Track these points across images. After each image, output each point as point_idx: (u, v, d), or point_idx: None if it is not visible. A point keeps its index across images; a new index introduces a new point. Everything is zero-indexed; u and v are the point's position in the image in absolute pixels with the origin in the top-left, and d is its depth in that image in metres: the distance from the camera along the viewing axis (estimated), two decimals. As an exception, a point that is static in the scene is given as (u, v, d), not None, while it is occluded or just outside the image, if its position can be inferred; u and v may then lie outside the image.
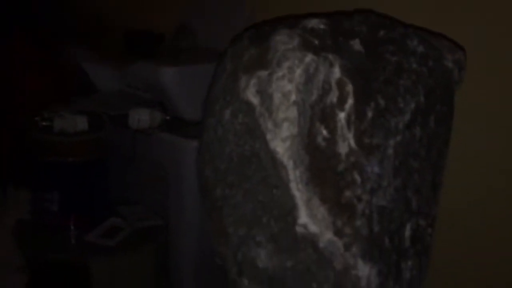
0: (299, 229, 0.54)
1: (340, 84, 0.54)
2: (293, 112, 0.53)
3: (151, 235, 1.29)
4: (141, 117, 1.20)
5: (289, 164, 0.53)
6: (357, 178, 0.53)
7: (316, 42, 0.56)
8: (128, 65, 1.34)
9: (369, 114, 0.54)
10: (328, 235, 0.53)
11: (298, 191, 0.53)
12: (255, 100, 0.55)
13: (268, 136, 0.54)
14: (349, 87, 0.54)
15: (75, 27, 1.52)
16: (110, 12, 1.58)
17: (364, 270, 0.54)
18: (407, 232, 0.59)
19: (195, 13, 1.50)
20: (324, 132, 0.53)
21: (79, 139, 1.17)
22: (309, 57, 0.53)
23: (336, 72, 0.54)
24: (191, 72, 1.26)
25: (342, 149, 0.53)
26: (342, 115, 0.53)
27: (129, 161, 1.28)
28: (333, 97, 0.54)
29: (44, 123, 1.15)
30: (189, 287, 1.31)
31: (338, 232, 0.53)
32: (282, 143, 0.53)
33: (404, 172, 0.57)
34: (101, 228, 1.24)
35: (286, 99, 0.53)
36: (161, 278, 1.31)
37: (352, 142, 0.53)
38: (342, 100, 0.53)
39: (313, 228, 0.54)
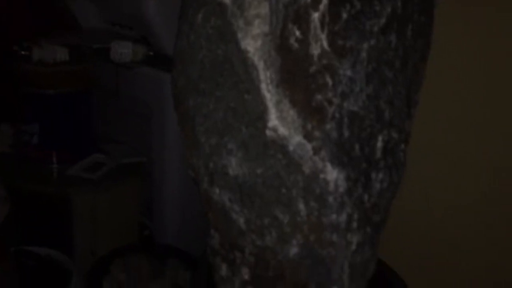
0: (269, 133, 0.54)
1: None
2: (264, 8, 0.51)
3: (134, 171, 1.29)
4: (123, 50, 1.18)
5: (259, 64, 0.52)
6: (329, 81, 0.52)
7: None
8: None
9: (344, 15, 0.52)
10: (298, 138, 0.53)
11: (269, 93, 0.52)
12: (227, 0, 0.54)
13: (239, 35, 0.52)
14: None
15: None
16: None
17: (332, 174, 0.54)
18: (379, 143, 0.59)
19: None
20: (297, 33, 0.52)
21: (58, 70, 1.15)
22: None
23: None
24: (174, 3, 1.22)
25: (315, 50, 0.52)
26: (315, 15, 0.52)
27: (112, 97, 1.27)
28: None
29: (22, 53, 1.13)
30: (171, 223, 1.32)
31: (307, 135, 0.53)
32: (253, 41, 0.52)
33: (377, 80, 0.56)
34: (83, 163, 1.24)
35: (258, -6, 0.51)
36: (144, 214, 1.32)
37: (325, 44, 0.52)
38: (316, 0, 0.52)
39: (283, 130, 0.53)
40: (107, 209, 1.18)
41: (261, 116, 0.54)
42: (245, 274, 0.62)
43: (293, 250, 0.58)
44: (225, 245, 0.63)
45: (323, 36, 0.52)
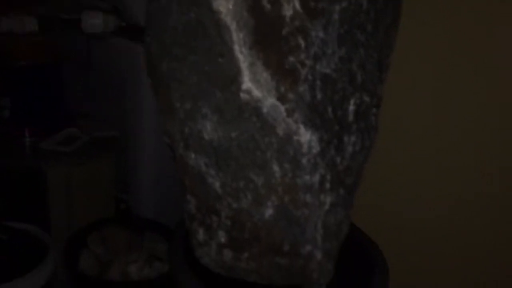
0: (243, 96, 0.54)
1: None
2: (236, -31, 0.51)
3: (108, 144, 1.28)
4: (94, 21, 1.15)
5: (232, 25, 0.52)
6: (301, 42, 0.53)
7: None
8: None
9: (315, -23, 0.53)
10: (271, 100, 0.53)
11: (242, 54, 0.53)
12: (198, -39, 0.53)
13: (211, -4, 0.52)
14: None
15: None
16: None
17: (305, 135, 0.55)
18: (351, 107, 0.60)
19: None
20: (269, -6, 0.52)
21: (27, 41, 1.13)
22: None
23: None
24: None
25: (287, 11, 0.52)
26: (287, -23, 0.52)
27: (84, 69, 1.25)
28: None
29: (-12, 24, 1.09)
30: (147, 196, 1.32)
31: (281, 97, 0.53)
32: (225, 2, 0.52)
33: (349, 43, 0.57)
34: (57, 136, 1.22)
35: (230, -46, 0.51)
36: (120, 188, 1.31)
37: (297, 5, 0.52)
38: None
39: (256, 93, 0.53)
40: (82, 182, 1.17)
41: (235, 79, 0.54)
42: (222, 237, 0.64)
43: (268, 212, 0.59)
44: (202, 210, 0.64)
45: (296, -2, 0.52)
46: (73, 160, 1.18)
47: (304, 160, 0.55)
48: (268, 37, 0.53)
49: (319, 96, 0.55)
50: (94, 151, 1.24)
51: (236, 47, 0.53)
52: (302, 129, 0.54)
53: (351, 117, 0.61)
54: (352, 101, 0.60)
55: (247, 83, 0.53)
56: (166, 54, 0.60)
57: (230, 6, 0.52)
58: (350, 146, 0.61)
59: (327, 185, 0.58)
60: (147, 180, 1.28)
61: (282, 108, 0.54)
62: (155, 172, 1.27)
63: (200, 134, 0.59)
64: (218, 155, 0.59)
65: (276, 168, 0.56)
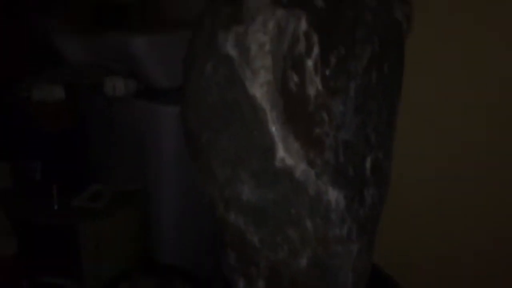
0: (277, 164, 0.63)
1: (307, 36, 0.62)
2: (268, 60, 0.61)
3: (131, 197, 1.36)
4: (116, 85, 1.25)
5: (267, 107, 0.61)
6: (325, 116, 0.62)
7: (285, 0, 0.64)
8: (98, 36, 1.38)
9: (333, 61, 0.62)
10: (303, 166, 0.62)
11: (276, 130, 0.62)
12: (234, 52, 0.63)
13: (247, 83, 0.62)
14: (315, 38, 0.62)
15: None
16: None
17: (333, 194, 0.63)
18: (368, 164, 0.69)
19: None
20: (295, 78, 0.62)
21: (56, 108, 1.22)
22: (279, 12, 0.61)
23: (303, 25, 0.62)
24: (161, 41, 1.32)
25: (311, 92, 0.62)
26: (310, 63, 0.61)
27: (107, 128, 1.34)
28: (302, 47, 0.62)
29: (22, 93, 1.19)
30: (170, 246, 1.40)
31: (310, 163, 0.62)
32: (260, 88, 0.61)
33: (364, 111, 0.67)
34: (84, 194, 1.30)
35: (262, 49, 0.60)
36: (143, 239, 1.39)
37: (319, 86, 0.62)
38: (309, 49, 0.62)
39: (290, 161, 0.62)
40: (110, 235, 1.24)
41: (270, 149, 0.63)
42: (261, 285, 0.71)
43: (304, 262, 0.67)
44: (242, 262, 0.72)
45: (317, 79, 0.62)
46: (101, 215, 1.25)
47: (333, 216, 0.64)
48: (297, 114, 0.62)
49: (341, 159, 0.64)
50: (119, 205, 1.32)
51: (271, 124, 0.62)
52: (330, 188, 0.63)
53: (368, 173, 0.70)
54: (368, 159, 0.69)
55: (281, 153, 0.62)
56: (205, 127, 0.69)
57: (264, 91, 0.61)
58: (370, 197, 0.70)
59: (354, 235, 0.66)
60: (169, 231, 1.36)
61: (312, 172, 0.63)
62: (176, 223, 1.35)
63: (239, 196, 0.68)
64: (256, 215, 0.67)
65: (309, 223, 0.65)
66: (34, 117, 1.17)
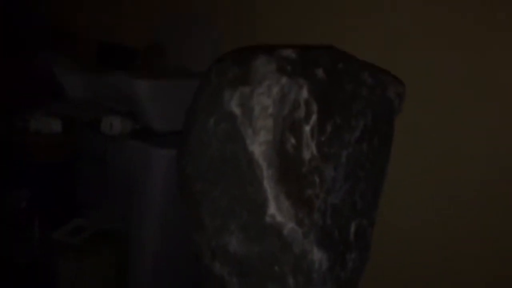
0: (268, 219, 0.66)
1: (307, 103, 0.67)
2: (269, 122, 0.65)
3: (113, 237, 1.36)
4: (113, 123, 1.28)
5: (264, 164, 0.65)
6: (317, 179, 0.66)
7: (289, 67, 0.69)
8: (101, 75, 1.43)
9: (329, 129, 0.67)
10: (291, 225, 0.65)
11: (270, 188, 0.65)
12: (237, 111, 0.67)
13: (248, 141, 0.66)
14: (314, 106, 0.67)
15: (49, 33, 1.59)
16: (84, 24, 1.66)
17: (318, 254, 0.66)
18: (352, 229, 0.72)
19: (167, 31, 1.61)
20: (293, 140, 0.66)
21: (52, 141, 1.24)
22: (284, 79, 0.66)
23: (305, 93, 0.67)
24: (164, 87, 1.36)
25: (306, 155, 0.66)
26: (307, 128, 0.66)
27: (99, 165, 1.36)
28: (301, 113, 0.66)
29: (20, 124, 1.22)
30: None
31: (299, 222, 0.65)
32: (259, 147, 0.65)
33: (353, 179, 0.71)
34: (66, 227, 1.30)
35: (265, 111, 0.65)
36: (121, 281, 1.38)
37: (314, 150, 0.66)
38: (308, 116, 0.66)
39: (279, 218, 0.65)
40: (87, 273, 1.23)
41: (262, 205, 0.66)
42: None
43: None
44: None
45: (313, 144, 0.66)
46: (80, 251, 1.25)
47: (315, 275, 0.66)
48: (290, 175, 0.66)
49: (328, 221, 0.68)
50: (99, 243, 1.31)
51: (266, 182, 0.65)
52: (315, 249, 0.66)
53: (352, 237, 0.73)
54: (353, 224, 0.72)
55: (272, 210, 0.65)
56: (200, 177, 0.72)
57: (263, 150, 0.65)
58: (351, 262, 0.73)
59: (332, 296, 0.69)
60: (147, 276, 1.34)
61: (299, 231, 0.66)
62: (155, 269, 1.34)
63: (226, 247, 0.70)
64: (241, 267, 0.69)
65: (291, 280, 0.67)
66: (29, 147, 1.19)
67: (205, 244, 0.72)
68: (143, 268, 1.33)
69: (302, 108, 0.67)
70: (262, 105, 0.65)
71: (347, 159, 0.68)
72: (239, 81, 0.69)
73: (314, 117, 0.66)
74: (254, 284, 0.69)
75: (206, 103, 0.73)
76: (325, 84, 0.70)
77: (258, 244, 0.68)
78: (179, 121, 1.37)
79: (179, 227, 1.30)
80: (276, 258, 0.67)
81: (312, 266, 0.66)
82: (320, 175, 0.66)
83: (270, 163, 0.65)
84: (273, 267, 0.67)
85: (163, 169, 1.29)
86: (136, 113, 1.38)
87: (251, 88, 0.66)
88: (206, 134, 0.71)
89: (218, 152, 0.70)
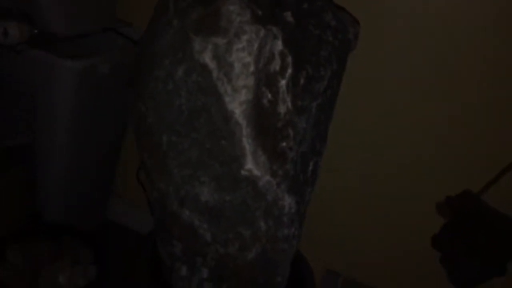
0: (244, 173, 0.67)
1: (282, 55, 0.65)
2: (251, 81, 0.63)
3: (20, 153, 1.26)
4: (8, 31, 1.11)
5: (243, 123, 0.64)
6: (291, 132, 0.67)
7: (260, 13, 0.65)
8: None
9: (302, 81, 0.67)
10: (267, 177, 0.68)
11: (248, 144, 0.65)
12: (211, 64, 0.63)
13: (227, 99, 0.63)
14: (289, 59, 0.65)
15: None
16: None
17: (288, 200, 0.70)
18: (310, 167, 0.77)
19: None
20: (269, 95, 0.65)
21: None
22: (262, 32, 0.63)
23: (279, 45, 0.65)
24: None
25: (282, 109, 0.66)
26: (283, 82, 0.65)
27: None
28: (276, 65, 0.65)
29: None
30: (58, 203, 1.35)
31: (273, 174, 0.68)
32: (239, 106, 0.63)
33: (318, 125, 0.73)
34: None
35: (246, 69, 0.62)
36: (28, 198, 1.31)
37: (289, 104, 0.66)
38: (283, 69, 0.65)
39: (256, 172, 0.67)
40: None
41: (237, 159, 0.67)
42: (205, 273, 0.77)
43: (251, 255, 0.74)
44: (188, 253, 0.76)
45: (289, 99, 0.66)
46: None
47: (285, 218, 0.71)
48: (267, 129, 0.66)
49: (298, 169, 0.71)
50: (6, 161, 1.21)
51: (244, 139, 0.65)
52: (286, 196, 0.70)
53: (309, 175, 0.78)
54: (311, 164, 0.77)
55: (249, 164, 0.66)
56: (167, 128, 0.69)
57: (243, 109, 0.63)
58: (308, 195, 0.79)
59: (297, 232, 0.75)
60: (58, 187, 1.29)
61: (273, 182, 0.68)
62: (65, 179, 1.29)
63: (196, 196, 0.71)
64: (212, 214, 0.71)
65: (262, 224, 0.71)
66: None
67: (173, 193, 0.72)
68: (51, 182, 1.27)
69: (277, 61, 0.65)
70: (242, 62, 0.62)
71: (316, 109, 0.70)
72: (208, 29, 0.63)
73: (289, 70, 0.65)
74: (226, 228, 0.72)
75: (169, 48, 0.66)
76: (295, 31, 0.68)
77: (231, 193, 0.69)
78: (85, 21, 1.22)
79: (89, 143, 1.24)
80: (248, 205, 0.70)
81: (283, 210, 0.70)
82: (294, 128, 0.68)
83: (249, 121, 0.65)
84: (245, 214, 0.70)
85: (72, 83, 1.19)
86: (33, 14, 1.20)
87: (227, 41, 0.62)
88: (174, 84, 0.67)
89: (188, 103, 0.67)
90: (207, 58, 0.63)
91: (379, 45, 0.93)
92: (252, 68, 0.62)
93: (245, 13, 0.63)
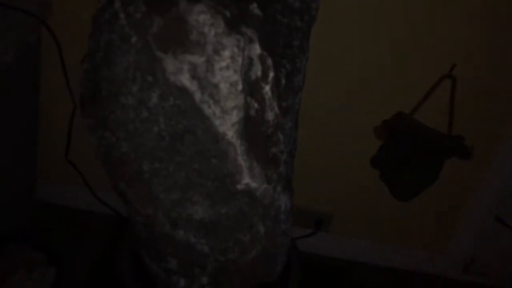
0: (240, 187, 0.64)
1: (261, 59, 0.60)
2: (241, 100, 0.57)
3: None
4: None
5: (237, 142, 0.59)
6: (280, 136, 0.64)
7: (229, 14, 0.58)
8: None
9: (283, 81, 0.63)
10: (264, 186, 0.65)
11: (243, 161, 0.61)
12: (191, 86, 0.56)
13: (217, 122, 0.57)
14: (269, 61, 0.60)
15: None
16: None
17: (283, 199, 0.69)
18: (292, 154, 0.75)
19: None
20: (255, 105, 0.60)
21: None
22: (242, 41, 0.56)
23: (257, 48, 0.59)
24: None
25: (270, 116, 0.62)
26: (267, 88, 0.60)
27: None
28: (257, 71, 0.60)
29: None
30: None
31: (269, 180, 0.65)
32: (232, 127, 0.58)
33: (295, 116, 0.71)
34: None
35: (234, 88, 0.56)
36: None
37: (276, 109, 0.62)
38: (265, 74, 0.60)
39: (254, 184, 0.64)
40: None
41: (232, 175, 0.63)
42: (205, 280, 0.75)
43: (252, 255, 0.73)
44: (185, 266, 0.73)
45: (275, 103, 0.62)
46: None
47: (282, 216, 0.71)
48: (256, 139, 0.62)
49: (288, 165, 0.69)
50: None
51: (240, 157, 0.61)
52: (281, 196, 0.69)
53: (289, 159, 0.76)
54: (293, 151, 0.75)
55: (246, 179, 0.63)
56: (147, 155, 0.62)
57: (236, 129, 0.58)
58: (291, 179, 0.78)
59: (290, 221, 0.75)
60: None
61: (270, 187, 0.66)
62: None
63: (190, 216, 0.67)
64: (209, 228, 0.68)
65: (261, 227, 0.70)
66: None
67: (162, 217, 0.67)
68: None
69: (257, 66, 0.60)
70: (229, 82, 0.56)
71: (298, 104, 0.67)
72: (178, 45, 0.55)
73: (271, 74, 0.61)
74: (224, 238, 0.70)
75: (135, 70, 0.58)
76: (262, 23, 0.62)
77: (226, 206, 0.66)
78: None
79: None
80: (245, 213, 0.68)
81: (279, 209, 0.70)
82: (282, 131, 0.65)
83: (242, 139, 0.60)
84: (243, 221, 0.68)
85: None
86: None
87: (206, 59, 0.55)
88: (149, 111, 0.59)
89: (168, 128, 0.60)
90: (185, 80, 0.56)
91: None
92: (240, 87, 0.56)
93: (218, 23, 0.55)
